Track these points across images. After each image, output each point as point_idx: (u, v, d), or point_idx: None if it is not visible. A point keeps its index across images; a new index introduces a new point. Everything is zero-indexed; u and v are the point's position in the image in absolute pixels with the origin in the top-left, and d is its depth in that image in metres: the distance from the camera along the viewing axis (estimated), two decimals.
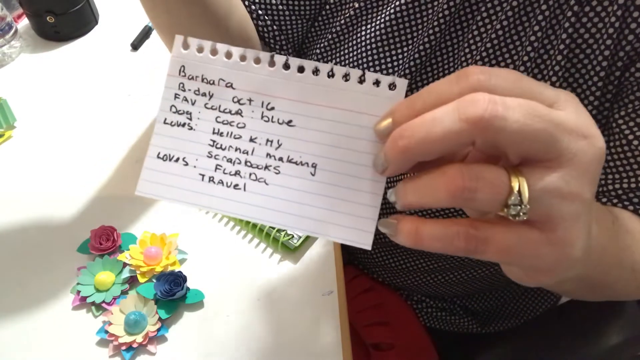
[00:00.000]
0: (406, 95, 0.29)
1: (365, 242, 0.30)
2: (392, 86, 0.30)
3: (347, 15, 0.56)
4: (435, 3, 0.51)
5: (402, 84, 0.29)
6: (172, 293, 0.48)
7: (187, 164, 0.32)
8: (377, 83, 0.30)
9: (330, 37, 0.58)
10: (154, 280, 0.50)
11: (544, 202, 0.25)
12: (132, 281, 0.51)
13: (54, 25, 0.75)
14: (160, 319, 0.48)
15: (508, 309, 0.70)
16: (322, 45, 0.59)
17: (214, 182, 0.31)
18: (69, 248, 0.53)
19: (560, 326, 0.64)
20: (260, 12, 0.58)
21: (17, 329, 0.48)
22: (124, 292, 0.50)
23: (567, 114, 0.26)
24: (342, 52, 0.57)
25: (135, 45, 0.77)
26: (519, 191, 0.25)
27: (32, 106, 0.68)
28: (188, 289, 0.50)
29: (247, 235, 0.55)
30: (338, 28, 0.57)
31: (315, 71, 0.30)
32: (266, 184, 0.31)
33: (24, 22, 0.80)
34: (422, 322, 0.70)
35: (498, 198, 0.25)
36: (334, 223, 0.30)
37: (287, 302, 0.50)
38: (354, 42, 0.56)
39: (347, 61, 0.56)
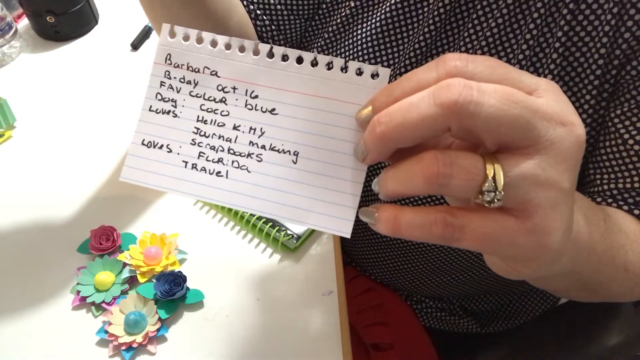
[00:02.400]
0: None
1: (345, 230, 0.30)
2: (374, 75, 0.30)
3: (344, 14, 0.56)
4: (431, 0, 0.51)
5: (384, 72, 0.29)
6: (172, 293, 0.48)
7: (170, 151, 0.32)
8: (359, 72, 0.30)
9: (327, 35, 0.58)
10: (154, 280, 0.50)
11: (520, 189, 0.25)
12: (132, 281, 0.51)
13: (54, 25, 0.75)
14: (160, 319, 0.48)
15: (508, 310, 0.70)
16: (319, 44, 0.59)
17: (197, 169, 0.32)
18: (69, 248, 0.53)
19: (560, 326, 0.64)
20: (258, 11, 0.58)
21: (17, 329, 0.48)
22: (124, 292, 0.50)
23: (546, 101, 0.25)
24: (339, 51, 0.57)
25: (135, 45, 0.77)
26: (494, 177, 0.25)
27: (32, 106, 0.68)
28: (188, 289, 0.50)
29: (247, 235, 0.55)
30: (334, 27, 0.57)
31: (299, 60, 0.31)
32: (248, 171, 0.31)
33: (24, 22, 0.80)
34: (421, 322, 0.70)
35: (472, 184, 0.25)
36: (315, 211, 0.30)
37: (287, 302, 0.50)
38: (350, 40, 0.56)
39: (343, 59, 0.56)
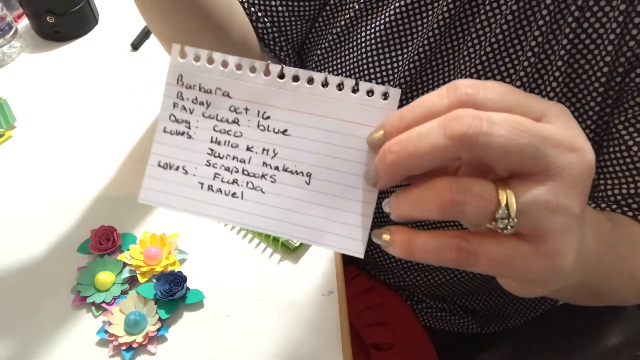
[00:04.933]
0: (400, 104, 0.29)
1: (358, 250, 0.30)
2: (385, 96, 0.30)
3: (347, 16, 0.56)
4: (435, 5, 0.51)
5: (395, 93, 0.30)
6: (172, 293, 0.48)
7: (186, 172, 0.32)
8: (370, 93, 0.30)
9: (330, 37, 0.57)
10: (154, 280, 0.50)
11: (533, 215, 0.25)
12: (132, 281, 0.51)
13: (54, 25, 0.75)
14: (160, 319, 0.48)
15: (508, 309, 0.70)
16: (322, 46, 0.59)
17: (213, 190, 0.32)
18: (69, 248, 0.53)
19: (560, 326, 0.64)
20: (259, 14, 0.58)
21: (17, 329, 0.48)
22: (124, 292, 0.50)
23: (556, 127, 0.26)
24: (342, 54, 0.57)
25: (135, 45, 0.77)
26: (507, 204, 0.25)
27: (32, 106, 0.68)
28: (188, 289, 0.50)
29: (247, 235, 0.55)
30: (338, 29, 0.57)
31: (310, 80, 0.31)
32: (263, 192, 0.31)
33: (24, 22, 0.80)
34: (422, 322, 0.70)
35: (486, 211, 0.25)
36: (328, 231, 0.31)
37: (287, 302, 0.50)
38: (354, 43, 0.56)
39: (346, 63, 0.56)
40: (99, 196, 0.58)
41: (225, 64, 0.31)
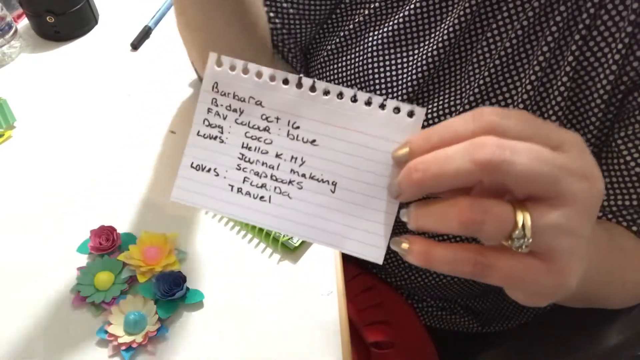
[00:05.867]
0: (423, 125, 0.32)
1: (377, 257, 0.32)
2: (411, 114, 0.31)
3: (356, 20, 0.56)
4: (445, 15, 0.51)
5: (420, 112, 0.31)
6: (172, 293, 0.48)
7: (217, 175, 0.34)
8: (397, 110, 0.32)
9: (337, 40, 0.58)
10: (154, 280, 0.50)
11: (546, 236, 0.27)
12: (131, 281, 0.51)
13: (54, 25, 0.75)
14: (159, 319, 0.48)
15: (509, 309, 0.70)
16: (328, 48, 0.59)
17: (242, 193, 0.34)
18: (68, 248, 0.53)
19: (560, 326, 0.64)
20: (271, 14, 0.58)
21: (17, 329, 0.48)
22: (124, 292, 0.50)
23: (571, 157, 0.28)
24: (348, 57, 0.57)
25: (135, 45, 0.76)
26: (523, 225, 0.27)
27: (32, 106, 0.68)
28: (188, 289, 0.50)
29: (247, 235, 0.55)
30: (346, 32, 0.57)
31: (340, 95, 0.32)
32: (289, 197, 0.33)
33: (24, 22, 0.80)
34: (422, 321, 0.70)
35: (503, 231, 0.27)
36: (349, 238, 0.32)
37: (287, 302, 0.50)
38: (360, 47, 0.56)
39: (352, 66, 0.57)
40: (98, 196, 0.58)
41: (259, 75, 0.33)
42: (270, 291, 0.51)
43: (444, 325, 0.70)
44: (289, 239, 0.53)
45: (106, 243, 0.53)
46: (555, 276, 0.29)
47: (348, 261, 0.71)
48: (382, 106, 0.32)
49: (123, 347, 0.46)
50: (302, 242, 0.54)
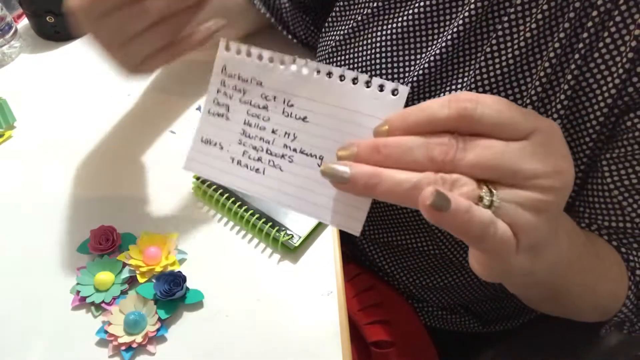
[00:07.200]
0: (412, 103, 0.33)
1: (355, 228, 0.34)
2: (395, 92, 0.33)
3: (365, 12, 0.57)
4: (454, 13, 0.52)
5: (404, 90, 0.33)
6: (172, 293, 0.48)
7: (222, 148, 0.38)
8: (381, 88, 0.33)
9: (345, 31, 0.59)
10: (154, 281, 0.50)
11: (509, 209, 0.29)
12: (131, 281, 0.51)
13: (53, 25, 0.75)
14: (159, 319, 0.48)
15: (509, 310, 0.70)
16: (336, 39, 0.59)
17: (240, 165, 0.37)
18: (68, 248, 0.53)
19: (560, 326, 0.64)
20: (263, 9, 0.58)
21: (16, 329, 0.48)
22: (124, 292, 0.50)
23: (537, 147, 0.29)
24: (355, 48, 0.58)
25: None
26: (489, 189, 0.29)
27: (32, 106, 0.68)
28: (188, 289, 0.50)
29: (247, 235, 0.55)
30: (354, 23, 0.58)
31: (329, 74, 0.35)
32: (281, 170, 0.36)
33: (23, 22, 0.80)
34: (422, 320, 0.70)
35: (471, 187, 0.29)
36: (332, 210, 0.35)
37: (287, 302, 0.50)
38: (369, 39, 0.56)
39: (359, 58, 0.57)
40: (98, 196, 0.58)
41: (260, 57, 0.36)
42: (270, 291, 0.51)
43: (444, 325, 0.70)
44: (289, 239, 0.53)
45: (106, 243, 0.53)
46: (512, 246, 0.30)
47: (348, 261, 0.71)
48: (367, 84, 0.33)
49: (123, 347, 0.46)
50: (302, 242, 0.54)
